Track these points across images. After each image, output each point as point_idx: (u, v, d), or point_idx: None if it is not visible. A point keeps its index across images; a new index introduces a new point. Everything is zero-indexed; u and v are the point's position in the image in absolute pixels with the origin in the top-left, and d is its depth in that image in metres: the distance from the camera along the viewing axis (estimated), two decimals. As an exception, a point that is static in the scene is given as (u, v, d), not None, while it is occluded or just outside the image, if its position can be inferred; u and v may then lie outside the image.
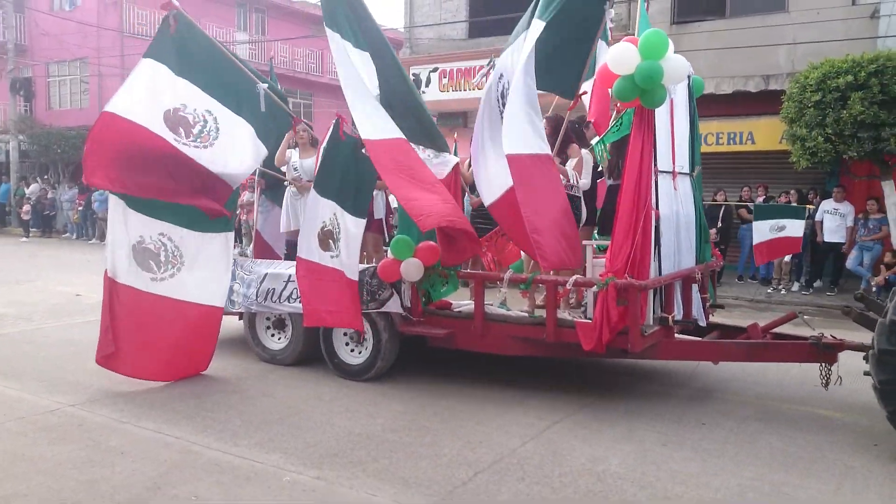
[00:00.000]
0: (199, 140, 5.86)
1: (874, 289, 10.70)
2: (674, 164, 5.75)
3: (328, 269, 5.84)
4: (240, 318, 6.94)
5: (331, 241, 5.86)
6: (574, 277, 5.37)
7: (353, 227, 5.83)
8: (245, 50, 28.54)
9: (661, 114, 5.33)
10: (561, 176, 5.93)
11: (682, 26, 14.57)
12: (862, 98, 10.01)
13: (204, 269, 6.04)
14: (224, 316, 6.83)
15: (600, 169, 6.76)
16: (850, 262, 11.17)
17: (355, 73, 5.74)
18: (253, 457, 4.39)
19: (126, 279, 5.76)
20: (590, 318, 5.24)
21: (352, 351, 6.16)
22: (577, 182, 6.22)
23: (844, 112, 10.14)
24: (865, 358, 5.05)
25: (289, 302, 6.29)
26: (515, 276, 5.83)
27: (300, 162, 7.27)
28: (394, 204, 8.35)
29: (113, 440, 4.64)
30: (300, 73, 28.65)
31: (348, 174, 5.93)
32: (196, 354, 6.11)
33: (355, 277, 5.81)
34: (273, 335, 6.71)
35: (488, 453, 4.49)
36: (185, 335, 6.00)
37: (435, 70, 17.52)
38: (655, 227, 5.31)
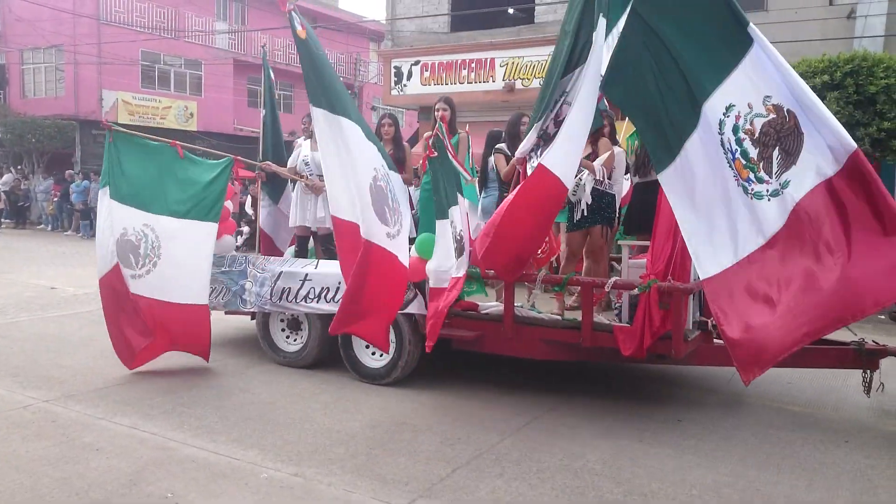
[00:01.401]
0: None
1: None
2: None
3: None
4: (252, 319, 6.79)
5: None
6: (613, 279, 5.19)
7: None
8: (225, 40, 28.30)
9: None
10: (588, 174, 5.81)
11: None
12: (838, 98, 10.16)
13: (183, 264, 5.97)
14: (234, 315, 6.83)
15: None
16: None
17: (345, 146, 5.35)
18: (230, 453, 4.37)
19: (127, 284, 5.87)
20: (625, 322, 5.11)
21: (373, 354, 5.94)
22: (605, 178, 6.00)
23: (821, 112, 10.27)
24: None
25: (305, 302, 6.07)
26: (549, 277, 5.64)
27: (311, 155, 6.91)
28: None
29: (87, 436, 4.59)
30: (280, 63, 28.41)
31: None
32: (195, 348, 6.15)
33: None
34: (288, 336, 6.50)
35: (467, 449, 4.51)
36: (178, 336, 6.04)
37: (416, 63, 17.48)
38: None
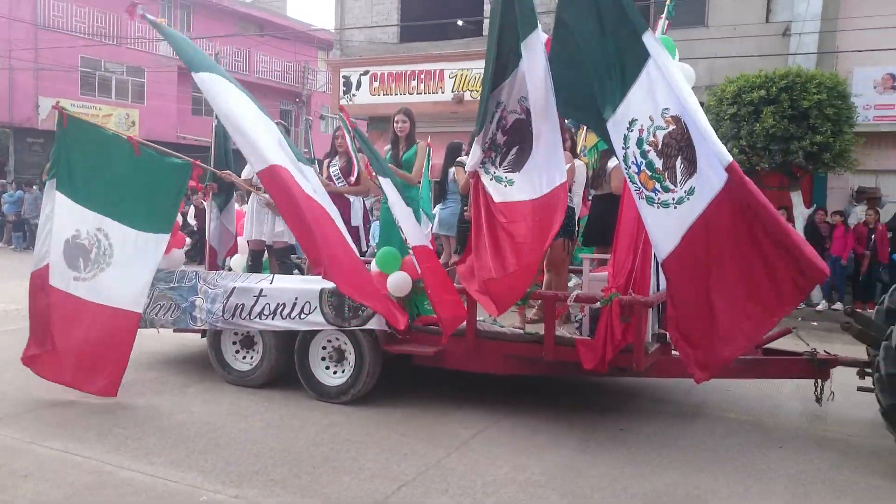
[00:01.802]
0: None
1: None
2: None
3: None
4: (202, 336, 6.57)
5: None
6: (575, 293, 5.18)
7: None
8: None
9: None
10: None
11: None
12: (773, 112, 10.53)
13: (126, 268, 5.71)
14: (185, 333, 6.57)
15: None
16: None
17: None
18: (168, 476, 4.25)
19: (53, 280, 5.56)
20: (586, 335, 5.12)
21: (332, 371, 5.81)
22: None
23: (757, 125, 10.64)
24: (860, 374, 5.20)
25: (260, 318, 5.84)
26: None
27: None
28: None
29: (17, 462, 4.40)
30: (228, 72, 27.99)
31: None
32: (108, 367, 5.64)
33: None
34: (241, 355, 6.26)
35: (412, 465, 4.48)
36: (98, 344, 5.64)
37: (366, 73, 17.44)
38: None
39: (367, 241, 7.55)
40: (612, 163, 6.20)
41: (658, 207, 4.56)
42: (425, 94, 16.53)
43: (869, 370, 5.20)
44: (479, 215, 5.35)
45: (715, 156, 4.33)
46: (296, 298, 5.72)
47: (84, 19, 24.84)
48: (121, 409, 5.46)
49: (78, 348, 5.61)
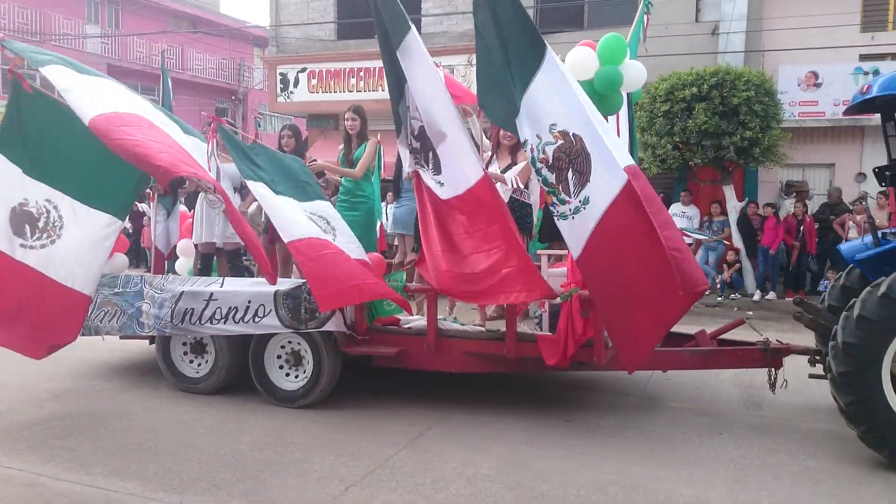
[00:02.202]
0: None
1: (718, 286, 11.59)
2: None
3: (325, 242, 5.22)
4: (150, 343, 6.32)
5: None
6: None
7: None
8: (97, 44, 26.79)
9: (611, 120, 5.26)
10: (500, 183, 5.69)
11: (543, 36, 15.14)
12: (705, 109, 10.84)
13: (78, 246, 5.39)
14: (130, 339, 6.32)
15: None
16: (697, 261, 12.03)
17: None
18: (107, 485, 4.10)
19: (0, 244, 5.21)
20: (546, 331, 5.13)
21: (287, 375, 5.69)
22: (523, 188, 5.94)
23: (690, 122, 10.95)
24: (811, 361, 5.33)
25: (211, 323, 5.63)
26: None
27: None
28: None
29: (-59, 478, 4.18)
30: (158, 69, 27.25)
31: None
32: (46, 338, 5.36)
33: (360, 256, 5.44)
34: (192, 361, 6.05)
35: (360, 465, 4.44)
36: (47, 315, 5.32)
37: (303, 70, 17.19)
38: None
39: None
40: None
41: (559, 220, 4.72)
42: (365, 91, 16.39)
43: (819, 357, 5.39)
44: (426, 212, 5.35)
45: (614, 161, 4.42)
46: (249, 301, 5.55)
47: (4, 15, 23.76)
48: (55, 419, 5.25)
49: (18, 311, 5.27)
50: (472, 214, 5.07)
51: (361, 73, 16.57)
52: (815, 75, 13.03)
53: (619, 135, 5.72)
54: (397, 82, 5.27)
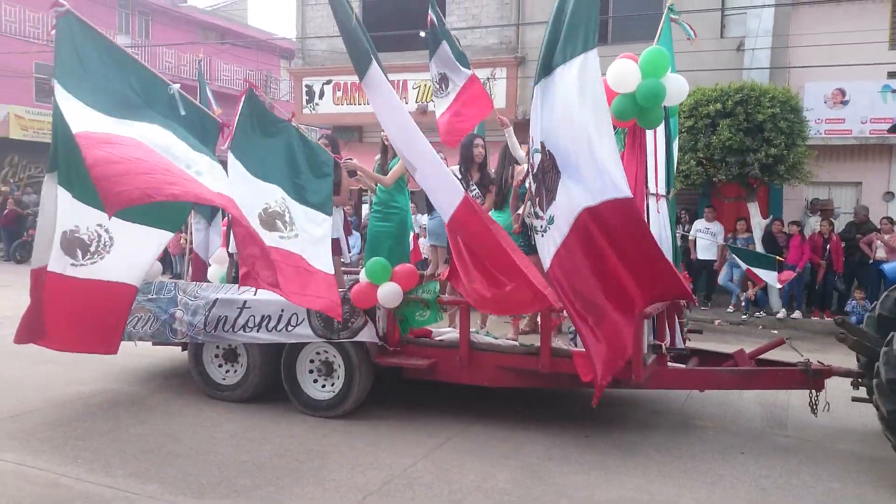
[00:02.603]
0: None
1: (743, 303, 11.46)
2: (657, 185, 5.64)
3: (280, 250, 5.17)
4: (182, 350, 6.35)
5: (279, 221, 5.32)
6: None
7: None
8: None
9: (649, 134, 5.22)
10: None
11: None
12: (729, 125, 10.77)
13: (125, 255, 5.46)
14: (164, 346, 6.32)
15: None
16: (721, 279, 11.92)
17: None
18: (127, 487, 4.15)
19: (51, 266, 5.22)
20: (581, 347, 4.99)
21: (320, 385, 5.66)
22: None
23: (714, 137, 10.87)
24: (854, 384, 5.20)
25: (244, 331, 5.64)
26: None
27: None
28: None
29: (-33, 476, 4.25)
30: (187, 79, 27.62)
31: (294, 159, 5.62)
32: (108, 332, 5.50)
33: (328, 270, 5.38)
34: (224, 369, 6.04)
35: (378, 475, 4.45)
36: (102, 310, 5.43)
37: (329, 83, 17.35)
38: None
39: (349, 251, 7.44)
40: None
41: (536, 234, 4.80)
42: (389, 104, 16.51)
43: (862, 380, 5.26)
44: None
45: (598, 183, 4.44)
46: (282, 310, 5.52)
47: (38, 25, 24.27)
48: (78, 421, 5.32)
49: (76, 318, 5.38)
50: (463, 236, 5.09)
51: (386, 86, 16.70)
52: (843, 92, 12.89)
53: (655, 150, 5.60)
54: None
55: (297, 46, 19.00)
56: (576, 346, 5.24)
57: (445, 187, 5.03)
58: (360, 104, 16.82)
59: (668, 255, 5.95)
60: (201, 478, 4.33)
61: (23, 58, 23.27)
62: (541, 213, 4.66)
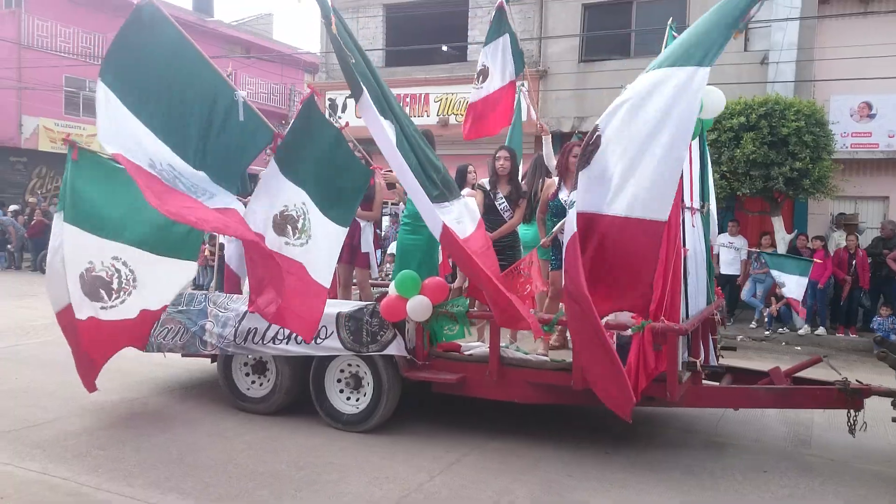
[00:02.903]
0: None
1: (766, 319, 11.31)
2: (692, 199, 5.57)
3: (282, 256, 5.13)
4: (212, 361, 6.38)
5: (289, 226, 5.26)
6: (605, 319, 4.79)
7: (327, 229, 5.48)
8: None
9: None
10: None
11: (588, 64, 15.19)
12: (753, 138, 10.68)
13: (154, 290, 5.56)
14: (194, 357, 6.37)
15: None
16: (745, 294, 11.77)
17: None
18: (147, 498, 4.18)
19: (80, 314, 5.15)
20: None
21: (347, 398, 5.64)
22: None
23: (738, 151, 10.78)
24: (894, 403, 5.03)
25: (274, 343, 5.63)
26: (538, 317, 5.32)
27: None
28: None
29: (-9, 484, 4.32)
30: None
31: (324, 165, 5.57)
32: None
33: (325, 284, 5.31)
34: (252, 380, 6.04)
35: (394, 489, 4.44)
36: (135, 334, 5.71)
37: (351, 96, 17.51)
38: (682, 266, 5.03)
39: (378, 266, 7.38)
40: None
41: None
42: (411, 117, 16.58)
43: None
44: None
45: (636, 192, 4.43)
46: None
47: (69, 39, 24.78)
48: (100, 430, 5.38)
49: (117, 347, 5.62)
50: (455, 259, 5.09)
51: (408, 99, 16.81)
52: (869, 106, 12.74)
53: (690, 163, 5.46)
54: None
55: (321, 61, 19.20)
56: None
57: (428, 218, 5.04)
58: (382, 117, 16.95)
59: (702, 270, 5.92)
60: (220, 488, 4.35)
61: (53, 71, 23.78)
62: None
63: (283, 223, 5.27)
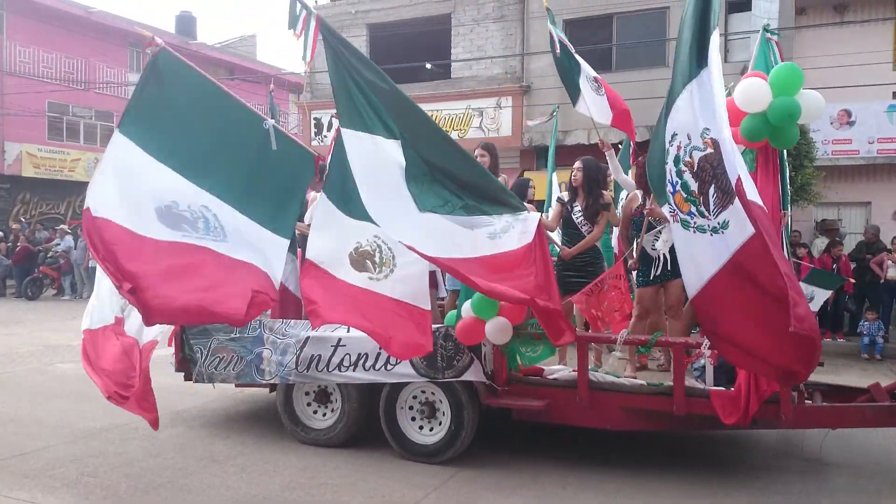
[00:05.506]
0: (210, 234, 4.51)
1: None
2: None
3: (368, 291, 4.75)
4: (271, 391, 6.17)
5: (368, 261, 4.89)
6: (707, 340, 4.51)
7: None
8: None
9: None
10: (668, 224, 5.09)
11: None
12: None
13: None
14: (252, 388, 6.20)
15: None
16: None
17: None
18: (139, 525, 4.13)
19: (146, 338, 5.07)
20: (709, 385, 4.75)
21: (420, 428, 5.35)
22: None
23: (721, 161, 10.87)
24: None
25: (339, 370, 5.32)
26: (632, 339, 5.13)
27: None
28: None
29: (-21, 515, 4.25)
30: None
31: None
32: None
33: (425, 306, 4.78)
34: (315, 411, 5.74)
35: (390, 507, 4.41)
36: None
37: (336, 115, 17.57)
38: None
39: (444, 285, 6.88)
40: None
41: (694, 232, 4.08)
42: (396, 134, 16.70)
43: None
44: None
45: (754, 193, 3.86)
46: (379, 349, 5.11)
47: (51, 65, 24.74)
48: (89, 457, 5.31)
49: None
50: None
51: (392, 117, 16.89)
52: (848, 113, 12.95)
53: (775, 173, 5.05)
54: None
55: (305, 81, 19.28)
56: (703, 384, 4.92)
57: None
58: (367, 135, 17.00)
59: None
60: (213, 512, 4.31)
61: (36, 97, 23.71)
62: (706, 214, 3.99)
63: (361, 259, 4.92)
